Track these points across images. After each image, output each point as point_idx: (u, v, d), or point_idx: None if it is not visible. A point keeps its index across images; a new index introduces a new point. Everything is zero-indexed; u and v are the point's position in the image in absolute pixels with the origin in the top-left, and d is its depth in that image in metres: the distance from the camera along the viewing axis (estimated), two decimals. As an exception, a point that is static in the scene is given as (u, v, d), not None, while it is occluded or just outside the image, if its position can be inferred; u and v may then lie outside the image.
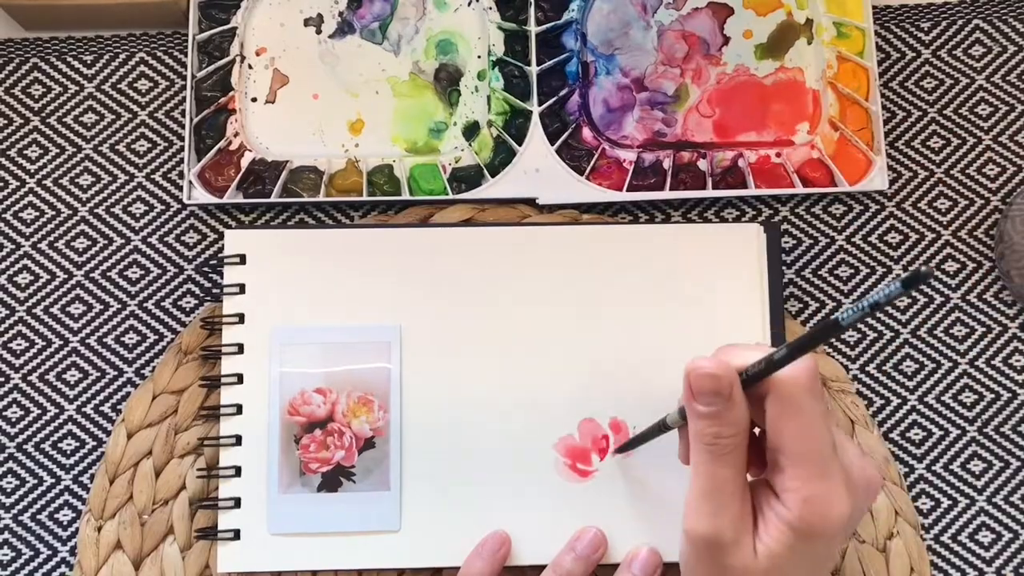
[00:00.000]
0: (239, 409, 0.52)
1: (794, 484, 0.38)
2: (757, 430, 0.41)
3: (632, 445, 0.51)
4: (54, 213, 0.57)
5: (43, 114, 0.58)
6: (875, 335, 0.56)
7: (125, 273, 0.57)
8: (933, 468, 0.55)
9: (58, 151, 0.58)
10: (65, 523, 0.54)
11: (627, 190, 0.57)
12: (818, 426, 0.38)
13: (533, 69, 0.58)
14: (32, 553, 0.54)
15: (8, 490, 0.55)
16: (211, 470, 0.53)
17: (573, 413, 0.53)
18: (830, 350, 0.56)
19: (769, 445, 0.39)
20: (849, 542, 0.52)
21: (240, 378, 0.53)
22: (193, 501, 0.53)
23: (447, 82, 0.58)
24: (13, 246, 0.57)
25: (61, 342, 0.56)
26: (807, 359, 0.37)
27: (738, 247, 0.54)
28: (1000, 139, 0.59)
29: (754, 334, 0.53)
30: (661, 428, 0.45)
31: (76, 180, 0.58)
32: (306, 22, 0.59)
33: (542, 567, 0.50)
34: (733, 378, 0.38)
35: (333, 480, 0.52)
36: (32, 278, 0.57)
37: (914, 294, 0.57)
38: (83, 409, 0.55)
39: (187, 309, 0.56)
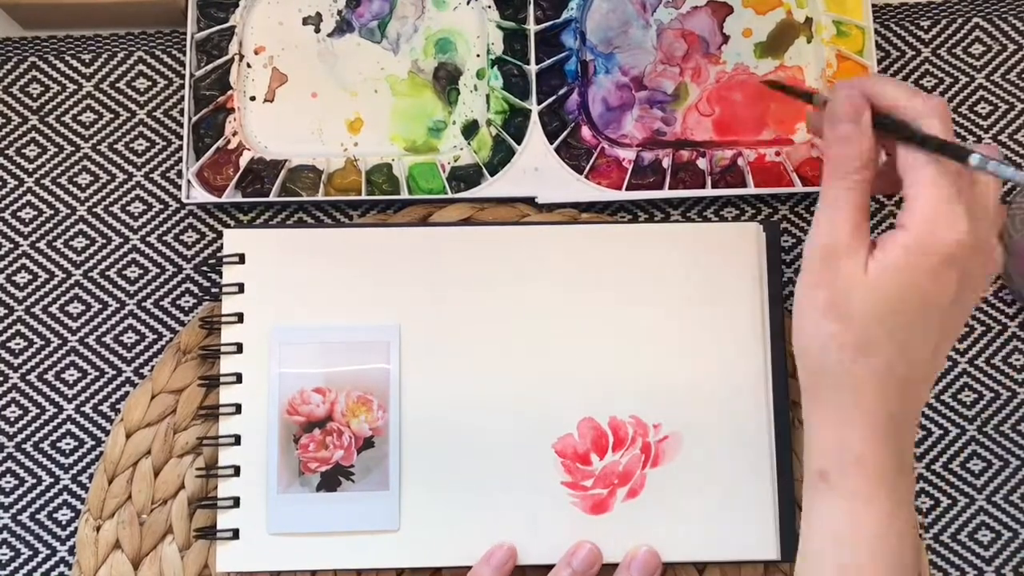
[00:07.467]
0: (238, 408, 0.52)
1: (915, 204, 0.39)
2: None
3: (784, 88, 0.52)
4: (52, 212, 0.57)
5: (41, 113, 0.58)
6: (875, 334, 0.56)
7: (124, 272, 0.57)
8: (933, 467, 0.55)
9: (56, 150, 0.58)
10: (64, 523, 0.54)
11: (626, 189, 0.57)
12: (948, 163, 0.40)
13: (532, 68, 0.57)
14: (31, 553, 0.54)
15: (7, 490, 0.55)
16: (210, 469, 0.53)
17: (572, 412, 0.53)
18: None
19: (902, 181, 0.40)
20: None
21: (239, 377, 0.53)
22: (192, 501, 0.53)
23: (446, 81, 0.58)
24: (11, 245, 0.57)
25: (60, 341, 0.56)
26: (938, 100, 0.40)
27: (737, 246, 0.54)
28: (1000, 138, 0.59)
29: (754, 333, 0.53)
30: (809, 99, 0.47)
31: (75, 179, 0.58)
32: (305, 21, 0.59)
33: (541, 567, 0.50)
34: (866, 107, 0.41)
35: (332, 480, 0.52)
36: (31, 277, 0.57)
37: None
38: (82, 408, 0.55)
39: (186, 308, 0.56)
